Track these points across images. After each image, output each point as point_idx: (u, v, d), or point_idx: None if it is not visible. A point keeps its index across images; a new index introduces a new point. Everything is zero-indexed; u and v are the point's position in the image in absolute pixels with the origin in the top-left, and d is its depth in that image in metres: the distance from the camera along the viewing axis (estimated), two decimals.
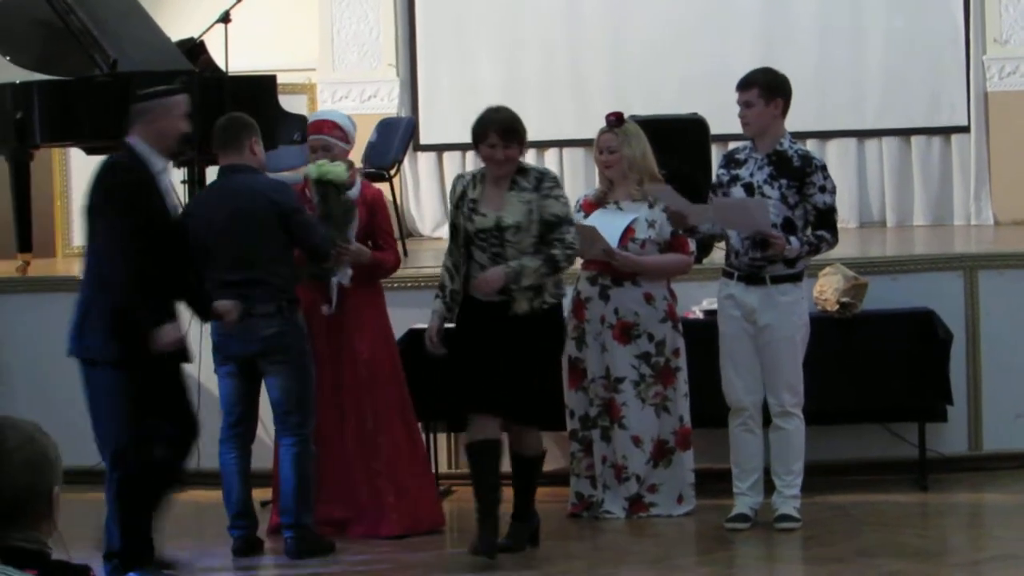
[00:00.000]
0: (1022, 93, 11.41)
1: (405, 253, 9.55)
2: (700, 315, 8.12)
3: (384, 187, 9.20)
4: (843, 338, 8.08)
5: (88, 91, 9.32)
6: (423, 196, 12.22)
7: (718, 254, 8.07)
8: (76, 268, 9.82)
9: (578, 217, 7.45)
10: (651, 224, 7.62)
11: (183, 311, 6.83)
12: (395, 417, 7.59)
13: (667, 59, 11.71)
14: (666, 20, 11.78)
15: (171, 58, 9.67)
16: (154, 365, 6.55)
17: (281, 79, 10.26)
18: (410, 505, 7.54)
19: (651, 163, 7.66)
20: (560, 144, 11.89)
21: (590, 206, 7.74)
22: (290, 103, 10.58)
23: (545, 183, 6.92)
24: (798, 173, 7.22)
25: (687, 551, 7.28)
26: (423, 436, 8.04)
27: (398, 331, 7.82)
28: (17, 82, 9.50)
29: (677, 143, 8.70)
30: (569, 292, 7.43)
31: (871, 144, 11.74)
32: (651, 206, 7.61)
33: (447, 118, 11.82)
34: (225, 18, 9.83)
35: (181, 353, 6.71)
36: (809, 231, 7.23)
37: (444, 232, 7.36)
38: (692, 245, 7.73)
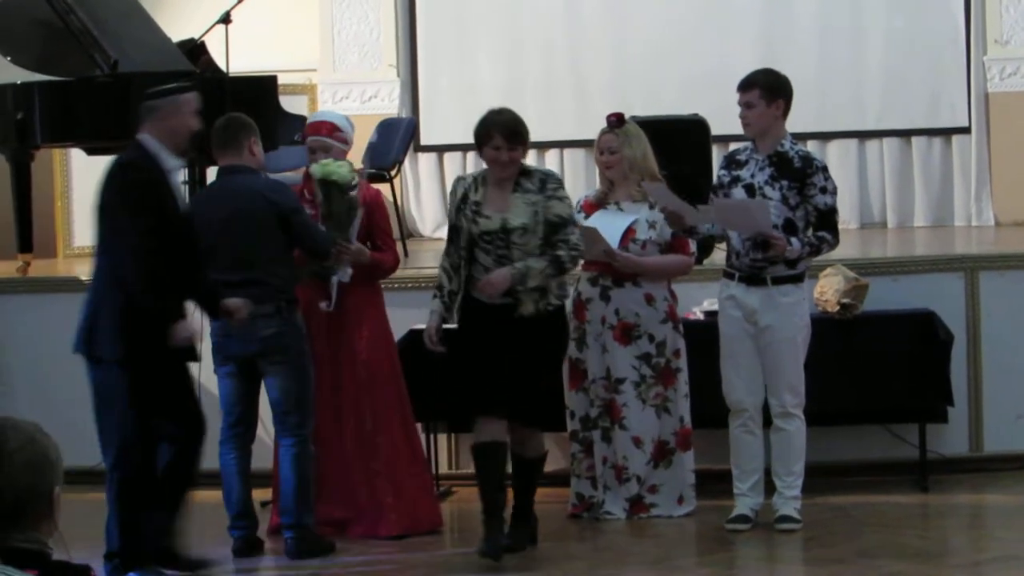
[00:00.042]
0: (1023, 94, 11.40)
1: (406, 253, 9.55)
2: (701, 316, 8.12)
3: (385, 188, 9.20)
4: (844, 339, 8.07)
5: (89, 92, 9.31)
6: (423, 197, 12.21)
7: (719, 255, 8.06)
8: (77, 269, 9.84)
9: (579, 218, 7.43)
10: (652, 225, 7.62)
11: (192, 309, 6.84)
12: (394, 417, 7.59)
13: (668, 60, 11.70)
14: (667, 20, 11.77)
15: (172, 59, 9.67)
16: (161, 364, 6.56)
17: (282, 80, 10.26)
18: (409, 505, 7.53)
19: (652, 164, 7.65)
20: (560, 145, 11.87)
21: (591, 207, 7.73)
22: (291, 104, 10.59)
23: (549, 184, 6.91)
24: (799, 174, 7.21)
25: (687, 552, 7.28)
26: (423, 436, 8.05)
27: (398, 331, 7.81)
28: (18, 83, 9.50)
29: (678, 144, 8.67)
30: (570, 293, 7.42)
31: (872, 145, 11.72)
32: (652, 207, 7.60)
33: (448, 119, 11.81)
34: (226, 19, 9.81)
35: (189, 352, 6.71)
36: (810, 232, 7.23)
37: (444, 233, 7.34)
38: (693, 246, 7.73)
